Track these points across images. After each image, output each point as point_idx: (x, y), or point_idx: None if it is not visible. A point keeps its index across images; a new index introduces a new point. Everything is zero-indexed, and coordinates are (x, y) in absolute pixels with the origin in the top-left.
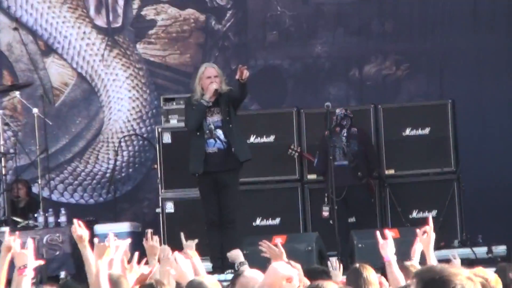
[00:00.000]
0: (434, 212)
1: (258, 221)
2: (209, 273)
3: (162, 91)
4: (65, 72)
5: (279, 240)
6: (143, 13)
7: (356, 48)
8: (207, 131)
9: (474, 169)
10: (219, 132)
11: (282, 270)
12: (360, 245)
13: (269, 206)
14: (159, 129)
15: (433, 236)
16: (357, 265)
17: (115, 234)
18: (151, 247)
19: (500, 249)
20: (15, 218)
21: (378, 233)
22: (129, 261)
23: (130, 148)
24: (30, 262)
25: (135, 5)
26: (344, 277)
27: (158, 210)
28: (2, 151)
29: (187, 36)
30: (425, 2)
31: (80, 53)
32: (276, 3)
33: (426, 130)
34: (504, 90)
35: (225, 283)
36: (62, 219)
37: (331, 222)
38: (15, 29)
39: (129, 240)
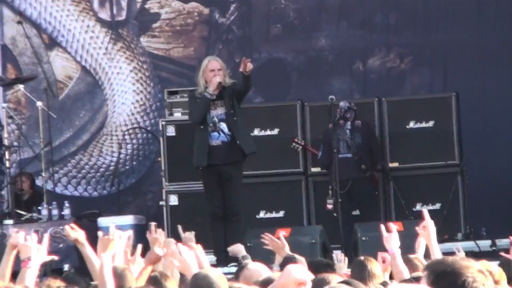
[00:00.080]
0: (437, 205)
1: (261, 214)
2: (212, 266)
3: (166, 84)
4: (69, 66)
5: (282, 233)
6: (147, 6)
7: (360, 41)
8: (211, 124)
9: (478, 162)
10: (223, 125)
11: (296, 273)
12: (363, 238)
13: (273, 199)
14: (163, 122)
15: (433, 229)
16: (362, 257)
17: (118, 227)
18: (154, 239)
19: (504, 242)
20: (19, 211)
21: (382, 226)
22: (132, 253)
23: (134, 141)
24: (34, 254)
25: None
26: (349, 270)
27: (162, 203)
28: (6, 144)
29: (191, 29)
30: None
31: (84, 46)
32: None
33: (430, 123)
34: (508, 83)
35: (228, 276)
36: (66, 212)
37: (334, 215)
38: (19, 22)
39: (130, 232)
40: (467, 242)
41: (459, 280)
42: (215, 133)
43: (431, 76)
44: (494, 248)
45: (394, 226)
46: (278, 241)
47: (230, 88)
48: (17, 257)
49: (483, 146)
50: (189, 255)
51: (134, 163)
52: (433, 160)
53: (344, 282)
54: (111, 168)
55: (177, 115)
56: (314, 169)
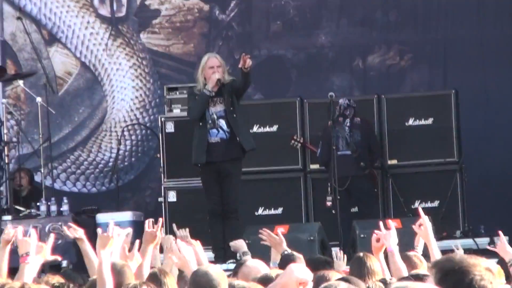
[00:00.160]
0: (436, 203)
1: (260, 211)
2: (211, 262)
3: (165, 81)
4: (69, 61)
5: (281, 229)
6: (147, 2)
7: (359, 38)
8: (210, 121)
9: (477, 160)
10: (222, 122)
11: (298, 273)
12: (362, 235)
13: (271, 195)
14: (162, 119)
15: (429, 226)
16: (361, 254)
17: (117, 223)
18: (148, 234)
19: None
20: (17, 207)
21: (381, 223)
22: (130, 250)
23: (133, 137)
24: (33, 249)
25: None
26: (347, 267)
27: (161, 199)
28: (5, 139)
29: (191, 26)
30: None
31: (84, 42)
32: None
33: (429, 120)
34: (508, 80)
35: (227, 273)
36: (65, 208)
37: (333, 212)
38: (19, 18)
39: (130, 229)
40: (466, 239)
41: (466, 278)
42: (214, 130)
43: (431, 73)
44: (492, 245)
45: (393, 223)
46: (276, 237)
47: (230, 85)
48: (16, 254)
49: (482, 143)
50: (188, 251)
51: (133, 159)
52: (432, 158)
53: (343, 279)
54: (110, 164)
55: (177, 111)
56: (313, 166)
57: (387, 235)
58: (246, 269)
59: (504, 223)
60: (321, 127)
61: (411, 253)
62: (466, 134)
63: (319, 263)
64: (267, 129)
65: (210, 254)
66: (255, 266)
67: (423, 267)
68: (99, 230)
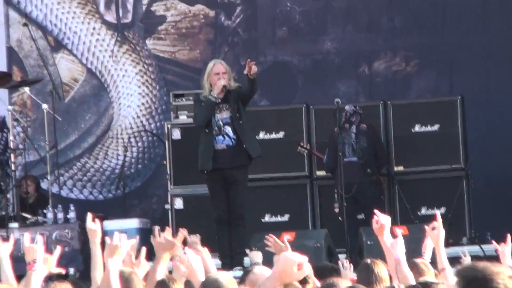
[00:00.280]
0: (443, 209)
1: (267, 218)
2: (218, 269)
3: (171, 87)
4: (75, 68)
5: (287, 236)
6: (152, 8)
7: (365, 44)
8: (216, 128)
9: (483, 166)
10: (228, 129)
11: (292, 256)
12: (369, 242)
13: (278, 202)
14: (169, 125)
15: (442, 232)
16: (368, 261)
17: (123, 231)
18: (159, 244)
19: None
20: (24, 214)
21: (377, 212)
22: (137, 257)
23: (139, 144)
24: (40, 256)
25: (145, 1)
26: (354, 274)
27: (167, 206)
28: (11, 147)
29: (197, 32)
30: None
31: (90, 48)
32: None
33: (436, 127)
34: None
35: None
36: (71, 215)
37: (340, 218)
38: (25, 24)
39: (133, 240)
40: (472, 246)
41: (490, 286)
42: (220, 137)
43: (437, 79)
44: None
45: (399, 231)
46: (282, 244)
47: (236, 92)
48: (22, 261)
49: (488, 150)
50: (196, 260)
51: (140, 166)
52: (438, 164)
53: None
54: (117, 171)
55: (183, 118)
56: (319, 173)
57: (394, 243)
58: (253, 276)
59: (511, 229)
60: (328, 133)
61: (418, 260)
62: (472, 140)
63: (326, 270)
64: (273, 135)
65: (217, 261)
66: (262, 273)
67: (430, 274)
68: (107, 239)
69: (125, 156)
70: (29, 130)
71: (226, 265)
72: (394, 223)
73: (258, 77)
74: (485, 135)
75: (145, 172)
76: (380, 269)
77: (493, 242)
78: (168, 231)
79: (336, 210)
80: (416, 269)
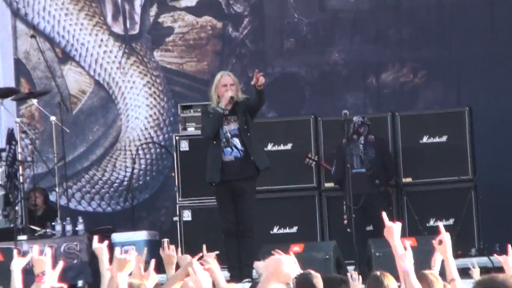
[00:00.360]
0: (451, 221)
1: (275, 230)
2: (226, 281)
3: (179, 99)
4: (83, 80)
5: (296, 248)
6: (160, 20)
7: (373, 56)
8: (224, 140)
9: (491, 177)
10: (236, 141)
11: (280, 257)
12: (377, 254)
13: (286, 214)
14: (177, 137)
15: (449, 243)
16: (378, 273)
17: (132, 243)
18: (168, 257)
19: None
20: (32, 227)
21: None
22: (146, 269)
23: (147, 156)
24: (49, 269)
25: (152, 12)
26: (363, 286)
27: (176, 218)
28: (19, 159)
29: (204, 44)
30: (442, 9)
31: (98, 60)
32: (293, 10)
33: (443, 138)
34: None
35: None
36: (80, 227)
37: (348, 230)
38: (33, 36)
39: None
40: (481, 257)
41: None
42: (228, 149)
43: (445, 90)
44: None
45: (408, 242)
46: None
47: (243, 103)
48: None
49: (496, 161)
50: (204, 276)
51: (148, 178)
52: (447, 175)
53: None
54: (125, 183)
55: (191, 129)
56: (327, 185)
57: (402, 255)
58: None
59: None
60: (335, 145)
61: (427, 272)
62: (480, 151)
63: (335, 282)
64: (281, 147)
65: (226, 273)
66: None
67: (439, 285)
68: (116, 253)
69: (133, 168)
70: (37, 142)
71: (235, 277)
72: (402, 234)
73: (266, 89)
74: (493, 147)
75: (153, 184)
76: (390, 281)
77: (495, 255)
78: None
79: (345, 221)
80: (425, 281)
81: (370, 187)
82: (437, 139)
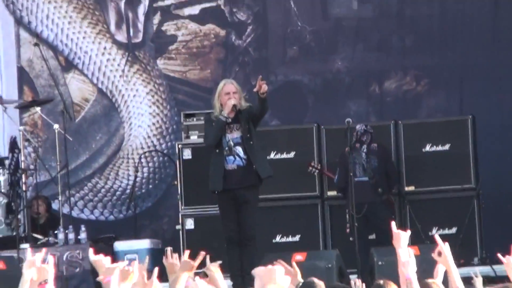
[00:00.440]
0: (454, 229)
1: (278, 238)
2: None
3: (182, 107)
4: (86, 88)
5: (298, 257)
6: (163, 28)
7: (376, 64)
8: (226, 148)
9: (494, 186)
10: (239, 149)
11: (271, 267)
12: (380, 263)
13: (289, 223)
14: (180, 145)
15: (449, 253)
16: (381, 281)
17: (134, 252)
18: (171, 265)
19: None
20: (35, 235)
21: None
22: (149, 277)
23: (150, 164)
24: (51, 277)
25: (156, 21)
26: None
27: (178, 227)
28: (22, 167)
29: (208, 52)
30: (445, 17)
31: (101, 68)
32: (297, 18)
33: (446, 146)
34: None
35: None
36: (82, 236)
37: (351, 239)
38: (36, 44)
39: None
40: (484, 266)
41: None
42: (231, 157)
43: (447, 99)
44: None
45: (411, 251)
46: (291, 268)
47: (246, 112)
48: None
49: (499, 169)
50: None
51: (150, 186)
52: (449, 184)
53: None
54: (128, 191)
55: (194, 138)
56: (330, 193)
57: (405, 263)
58: None
59: None
60: (338, 153)
61: (429, 280)
62: (483, 160)
63: None
64: (284, 155)
65: (228, 282)
66: None
67: None
68: (120, 264)
69: (136, 176)
70: (40, 150)
71: (237, 286)
72: None
73: (269, 97)
74: (496, 155)
75: (156, 193)
76: None
77: (498, 255)
78: (186, 254)
79: (348, 230)
80: None
81: (373, 196)
82: (440, 148)
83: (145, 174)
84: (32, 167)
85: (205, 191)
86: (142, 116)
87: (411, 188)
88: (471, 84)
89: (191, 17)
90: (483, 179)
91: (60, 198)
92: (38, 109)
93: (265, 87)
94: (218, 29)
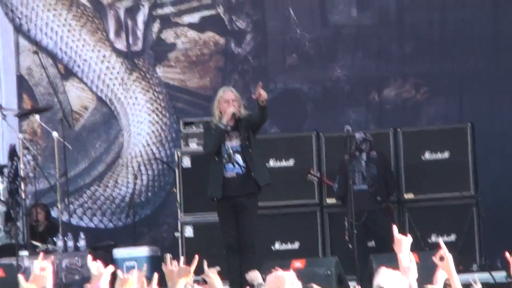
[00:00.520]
0: (453, 237)
1: (277, 246)
2: None
3: (181, 115)
4: (85, 96)
5: (298, 264)
6: (163, 36)
7: (375, 71)
8: (226, 156)
9: (493, 193)
10: (238, 157)
11: (282, 273)
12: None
13: (288, 230)
14: (179, 153)
15: (450, 258)
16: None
17: (133, 259)
18: (170, 272)
19: None
20: (34, 242)
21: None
22: (148, 284)
23: (149, 172)
24: (49, 284)
25: (155, 28)
26: None
27: (177, 234)
28: (22, 175)
29: (207, 60)
30: (444, 24)
31: (100, 76)
32: (296, 26)
33: (446, 154)
34: None
35: None
36: (81, 243)
37: (350, 246)
38: (35, 52)
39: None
40: (483, 273)
41: None
42: (230, 165)
43: (447, 106)
44: (509, 279)
45: (412, 256)
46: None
47: (246, 120)
48: None
49: (498, 177)
50: None
51: (150, 194)
52: (449, 191)
53: None
54: (127, 199)
55: (193, 146)
56: (329, 201)
57: (407, 268)
58: None
59: None
60: (338, 161)
61: (429, 287)
62: (483, 167)
63: None
64: (283, 163)
65: None
66: None
67: None
68: (119, 272)
69: (135, 184)
70: (39, 158)
71: None
72: None
73: (268, 104)
74: (495, 163)
75: (155, 200)
76: None
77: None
78: (182, 260)
79: (347, 237)
80: None
81: (372, 204)
82: (439, 155)
83: (144, 182)
84: (31, 175)
85: (204, 199)
86: (141, 124)
87: (411, 195)
88: (471, 92)
89: (191, 25)
90: (483, 187)
91: (59, 206)
92: (37, 117)
93: (265, 95)
94: (217, 37)
